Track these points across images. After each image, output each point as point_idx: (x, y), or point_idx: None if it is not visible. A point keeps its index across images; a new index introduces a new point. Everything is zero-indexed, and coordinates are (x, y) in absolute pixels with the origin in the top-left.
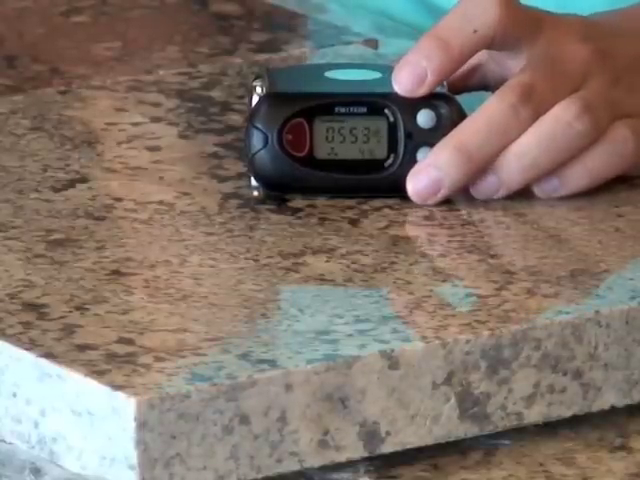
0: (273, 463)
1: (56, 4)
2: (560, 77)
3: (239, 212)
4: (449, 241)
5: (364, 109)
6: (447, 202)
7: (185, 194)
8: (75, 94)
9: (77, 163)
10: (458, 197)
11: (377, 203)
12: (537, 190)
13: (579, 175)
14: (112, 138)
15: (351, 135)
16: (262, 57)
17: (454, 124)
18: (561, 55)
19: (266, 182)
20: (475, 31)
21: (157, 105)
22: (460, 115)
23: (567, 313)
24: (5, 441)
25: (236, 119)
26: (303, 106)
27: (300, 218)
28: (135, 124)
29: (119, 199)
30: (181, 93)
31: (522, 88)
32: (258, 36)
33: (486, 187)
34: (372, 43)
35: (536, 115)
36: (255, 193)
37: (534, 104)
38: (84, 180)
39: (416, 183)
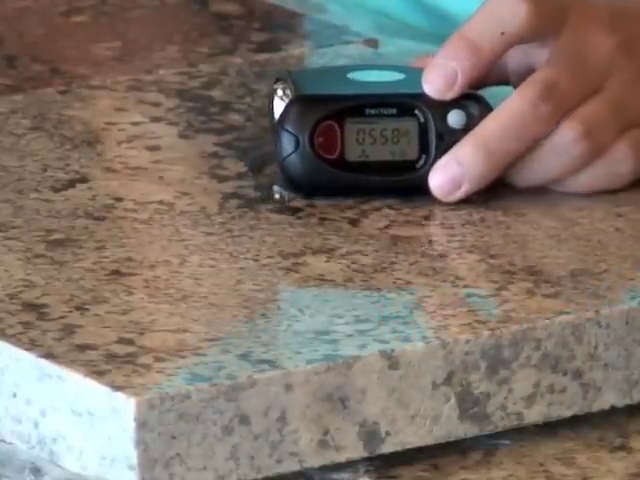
0: (273, 463)
1: (56, 4)
2: (583, 74)
3: (239, 212)
4: (449, 241)
5: (394, 110)
6: (447, 202)
7: (185, 194)
8: (75, 94)
9: (77, 163)
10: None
11: (377, 203)
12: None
13: (571, 186)
14: (112, 138)
15: (382, 136)
16: (262, 57)
17: None
18: (585, 48)
19: (297, 185)
20: (502, 33)
21: (157, 105)
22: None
23: (567, 313)
24: (5, 441)
25: (236, 119)
26: (334, 108)
27: (300, 218)
28: (135, 124)
29: (119, 199)
30: (181, 93)
31: (544, 84)
32: (258, 36)
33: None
34: (372, 43)
35: (557, 112)
36: (277, 196)
37: (555, 101)
38: (84, 180)
39: (438, 178)
